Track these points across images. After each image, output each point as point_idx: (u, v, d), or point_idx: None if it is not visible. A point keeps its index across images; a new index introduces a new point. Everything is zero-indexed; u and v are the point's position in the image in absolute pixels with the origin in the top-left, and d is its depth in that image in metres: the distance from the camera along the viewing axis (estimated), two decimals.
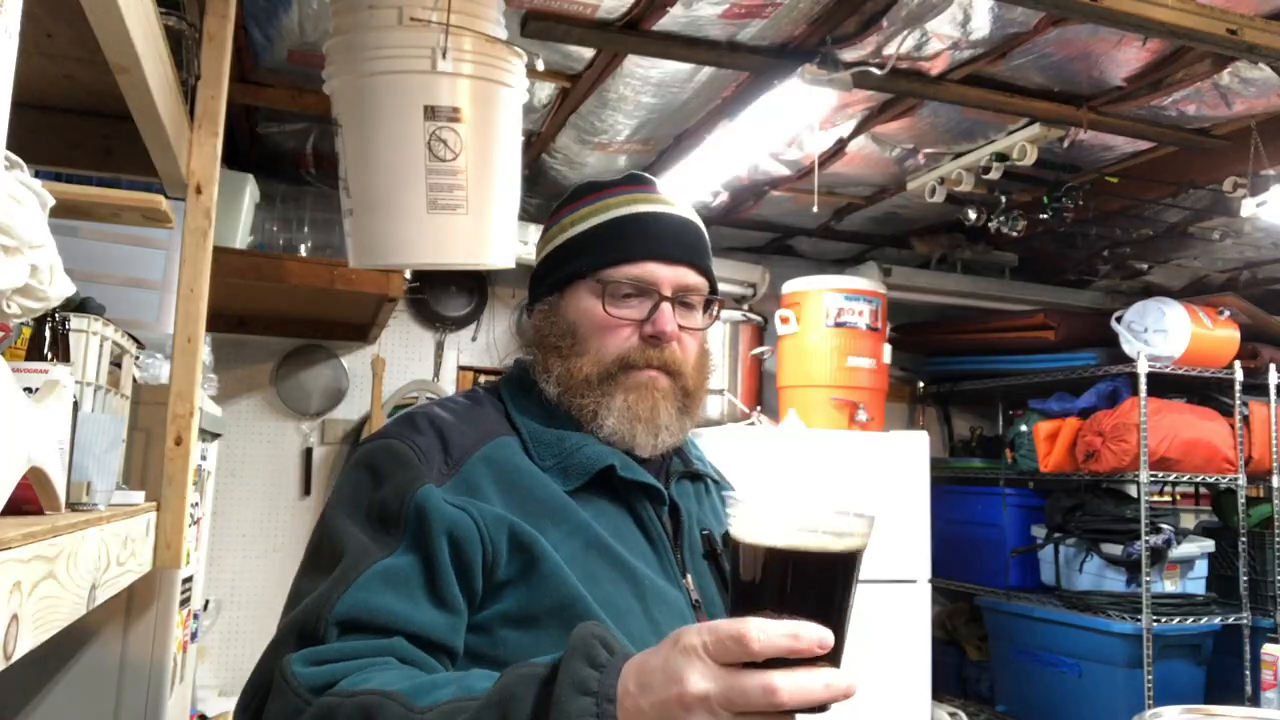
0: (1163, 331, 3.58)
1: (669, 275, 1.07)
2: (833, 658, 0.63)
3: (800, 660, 0.62)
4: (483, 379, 3.87)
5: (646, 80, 2.52)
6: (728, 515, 0.71)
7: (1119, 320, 3.71)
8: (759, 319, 3.78)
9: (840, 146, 2.98)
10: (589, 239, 1.09)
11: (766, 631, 0.61)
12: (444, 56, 1.79)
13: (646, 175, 1.18)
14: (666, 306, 1.07)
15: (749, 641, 0.61)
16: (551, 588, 0.91)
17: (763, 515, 0.68)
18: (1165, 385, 3.76)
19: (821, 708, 0.63)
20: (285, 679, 0.80)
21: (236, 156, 3.16)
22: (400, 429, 1.01)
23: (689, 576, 1.04)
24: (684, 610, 1.00)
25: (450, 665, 0.89)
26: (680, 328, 1.08)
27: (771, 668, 0.62)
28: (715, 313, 1.15)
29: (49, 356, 1.03)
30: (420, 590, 0.88)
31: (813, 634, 0.62)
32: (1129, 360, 3.56)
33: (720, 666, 0.62)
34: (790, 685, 0.61)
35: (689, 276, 1.09)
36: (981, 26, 2.18)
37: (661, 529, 1.04)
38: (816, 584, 0.66)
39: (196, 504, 1.99)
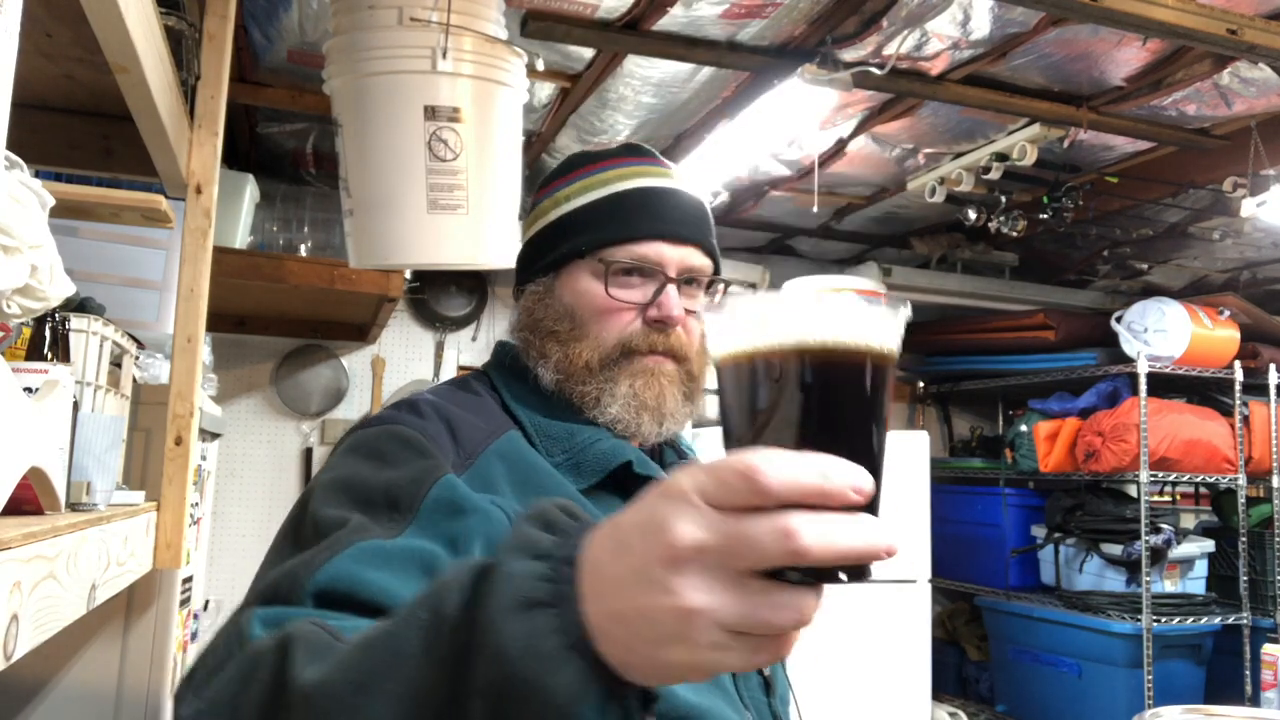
0: (1163, 331, 3.58)
1: (675, 255, 1.00)
2: (869, 509, 0.46)
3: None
4: None
5: (646, 80, 2.52)
6: (709, 324, 0.53)
7: (1119, 320, 3.71)
8: None
9: (840, 146, 2.98)
10: (588, 215, 1.01)
11: (785, 465, 0.44)
12: (444, 56, 1.79)
13: (645, 146, 1.09)
14: (672, 289, 0.99)
15: (760, 477, 0.44)
16: None
17: (770, 308, 0.49)
18: (1165, 385, 3.76)
19: (859, 571, 0.46)
20: (239, 628, 0.65)
21: (236, 156, 3.16)
22: (401, 414, 0.90)
23: None
24: None
25: None
26: (684, 310, 1.00)
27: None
28: (721, 295, 1.06)
29: (49, 356, 1.03)
30: (424, 577, 0.72)
31: (846, 473, 0.45)
32: (1129, 360, 3.56)
33: (720, 512, 0.45)
34: (815, 530, 0.43)
35: (695, 257, 1.01)
36: (981, 26, 2.18)
37: None
38: (847, 401, 0.49)
39: (196, 504, 1.99)
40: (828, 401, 0.48)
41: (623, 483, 0.96)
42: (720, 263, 1.08)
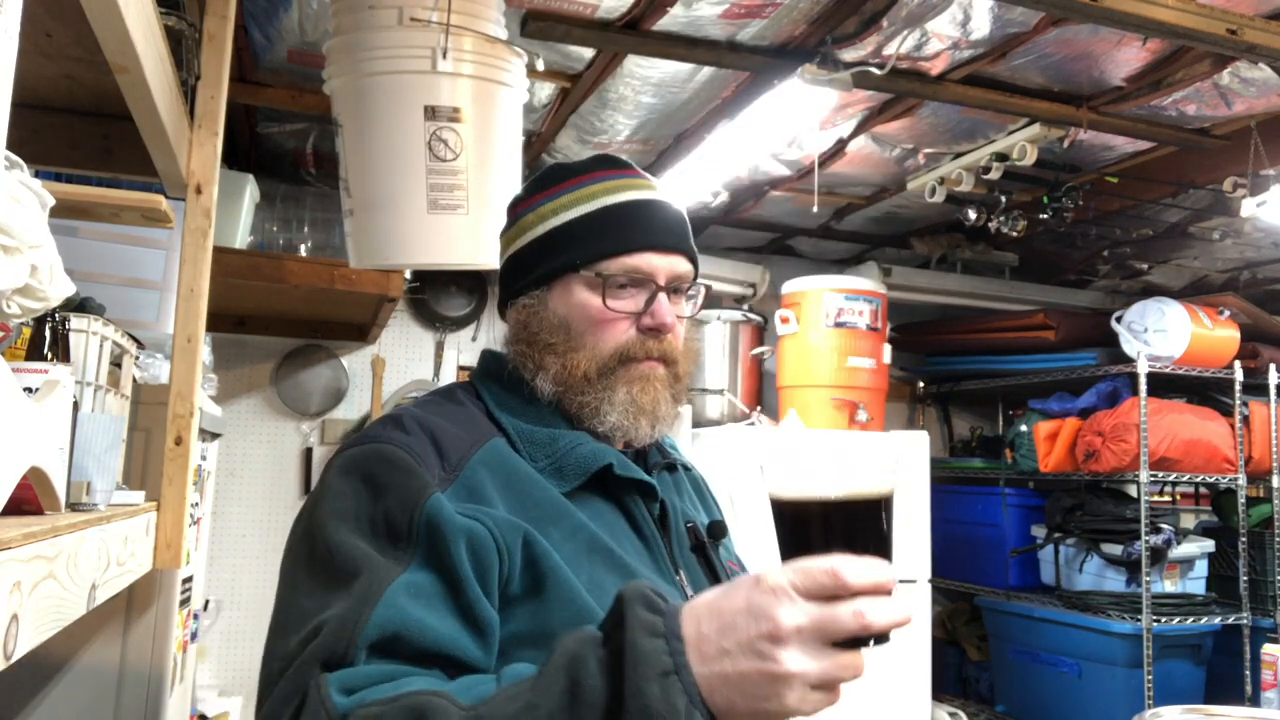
0: (1163, 331, 3.58)
1: (664, 265, 1.05)
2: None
3: None
4: None
5: (646, 80, 2.52)
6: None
7: (1119, 320, 3.71)
8: (759, 319, 3.78)
9: (840, 146, 2.98)
10: (579, 229, 1.04)
11: (857, 567, 0.67)
12: (444, 56, 1.79)
13: (619, 157, 1.13)
14: (664, 298, 1.04)
15: (843, 575, 0.67)
16: (564, 604, 0.87)
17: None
18: (1165, 385, 3.76)
19: (885, 636, 0.69)
20: (323, 703, 0.72)
21: (236, 156, 3.16)
22: (387, 431, 0.94)
23: (681, 572, 1.02)
24: None
25: None
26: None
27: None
28: (701, 298, 1.13)
29: (49, 356, 1.03)
30: (447, 608, 0.82)
31: (888, 571, 0.68)
32: (1129, 360, 3.56)
33: (811, 601, 0.67)
34: (877, 609, 0.67)
35: (681, 265, 1.07)
36: (981, 26, 2.18)
37: (653, 525, 1.03)
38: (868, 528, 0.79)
39: (196, 504, 1.99)
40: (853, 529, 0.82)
41: (604, 484, 1.00)
42: (699, 267, 1.13)
